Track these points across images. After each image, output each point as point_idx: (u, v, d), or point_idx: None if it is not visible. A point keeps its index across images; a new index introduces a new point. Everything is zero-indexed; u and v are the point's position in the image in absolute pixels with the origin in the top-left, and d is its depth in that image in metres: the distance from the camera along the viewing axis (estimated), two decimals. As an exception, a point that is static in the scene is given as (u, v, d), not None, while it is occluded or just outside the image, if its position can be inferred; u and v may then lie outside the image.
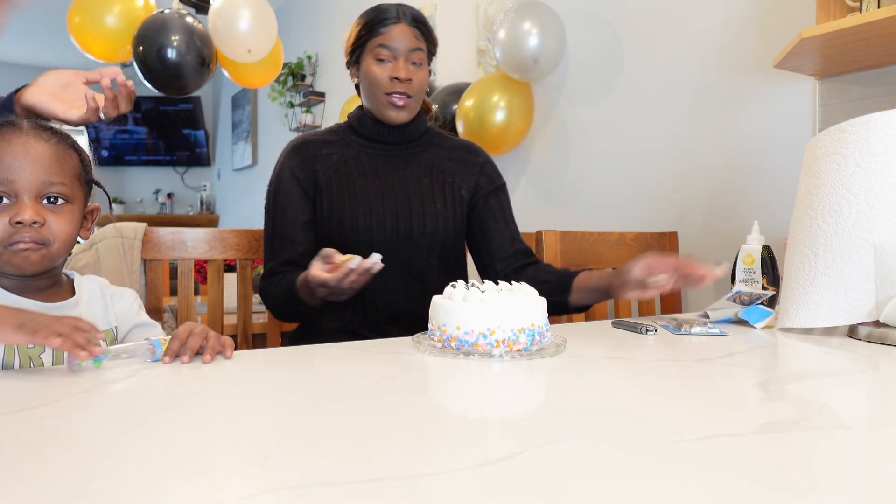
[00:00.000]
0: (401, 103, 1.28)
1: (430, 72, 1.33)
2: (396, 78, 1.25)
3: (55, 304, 0.84)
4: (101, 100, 0.99)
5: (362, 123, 1.34)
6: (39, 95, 0.97)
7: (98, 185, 0.92)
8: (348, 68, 1.35)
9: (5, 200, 0.79)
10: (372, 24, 1.27)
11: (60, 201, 0.82)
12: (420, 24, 1.28)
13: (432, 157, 1.37)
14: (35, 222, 0.79)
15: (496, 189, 1.40)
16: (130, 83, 1.01)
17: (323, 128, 1.49)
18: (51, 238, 0.81)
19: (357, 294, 1.26)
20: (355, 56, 1.31)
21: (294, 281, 1.17)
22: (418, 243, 1.27)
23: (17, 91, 0.99)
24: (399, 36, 1.25)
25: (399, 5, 1.28)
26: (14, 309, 0.71)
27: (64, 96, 0.99)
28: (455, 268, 1.37)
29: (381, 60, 1.26)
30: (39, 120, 0.85)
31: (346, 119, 1.41)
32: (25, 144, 0.80)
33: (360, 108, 1.37)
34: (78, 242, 0.88)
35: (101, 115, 1.00)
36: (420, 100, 1.33)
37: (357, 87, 1.36)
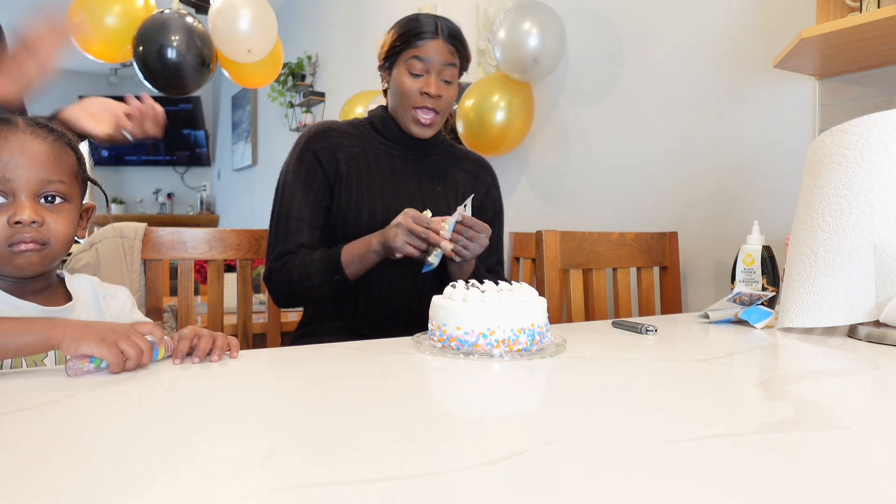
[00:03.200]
0: (427, 121, 1.29)
1: (458, 86, 1.33)
2: (426, 93, 1.26)
3: (55, 308, 0.84)
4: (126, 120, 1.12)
5: (385, 125, 1.35)
6: (77, 112, 1.09)
7: (95, 183, 0.92)
8: (380, 72, 1.35)
9: (2, 199, 0.78)
10: (409, 35, 1.26)
11: (58, 200, 0.82)
12: (456, 41, 1.29)
13: (447, 166, 1.39)
14: (34, 222, 0.78)
15: (495, 216, 1.44)
16: (160, 109, 1.14)
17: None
18: (50, 238, 0.80)
19: (358, 292, 1.27)
20: (388, 63, 1.31)
21: (337, 250, 1.21)
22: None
23: (60, 109, 1.11)
24: (434, 50, 1.25)
25: (438, 19, 1.28)
26: (93, 322, 0.75)
27: (99, 116, 1.11)
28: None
29: (413, 74, 1.26)
30: (36, 117, 0.85)
31: (365, 115, 1.41)
32: (23, 142, 0.79)
33: (384, 108, 1.37)
34: (77, 242, 0.88)
35: (128, 136, 1.11)
36: (445, 116, 1.34)
37: (385, 91, 1.36)
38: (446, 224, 1.11)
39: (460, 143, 2.47)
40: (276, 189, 1.32)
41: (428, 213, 1.15)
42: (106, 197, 0.96)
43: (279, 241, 1.27)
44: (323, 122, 1.35)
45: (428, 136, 1.32)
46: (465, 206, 1.15)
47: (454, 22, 1.32)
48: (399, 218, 1.13)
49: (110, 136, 1.10)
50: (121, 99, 1.15)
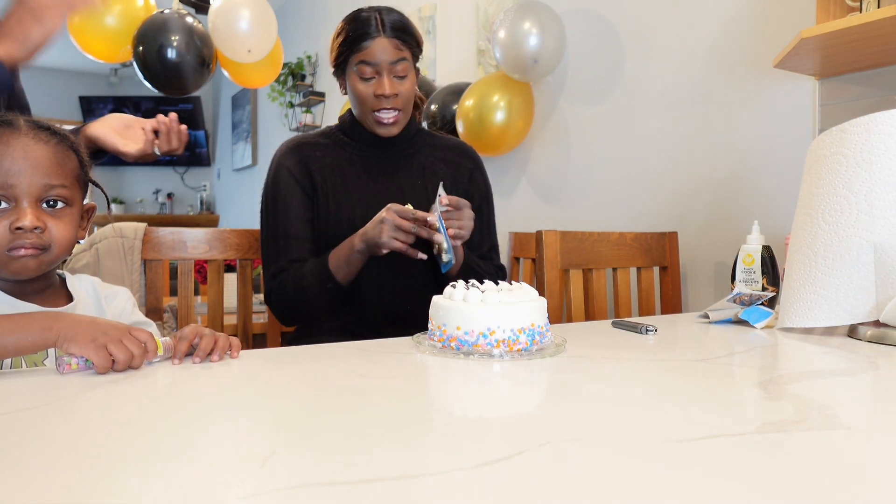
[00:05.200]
0: (389, 121, 1.28)
1: (417, 72, 1.31)
2: (382, 95, 1.24)
3: (55, 309, 0.84)
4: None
5: (354, 129, 1.34)
6: (102, 129, 1.13)
7: (97, 185, 0.91)
8: (335, 77, 1.34)
9: (4, 204, 0.78)
10: (351, 39, 1.25)
11: (60, 204, 0.81)
12: (400, 33, 1.25)
13: (424, 158, 1.37)
14: (36, 228, 0.78)
15: (482, 201, 1.42)
16: (184, 126, 1.19)
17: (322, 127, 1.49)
18: (51, 243, 0.80)
19: (356, 293, 1.27)
20: (339, 70, 1.31)
21: (324, 258, 1.21)
22: (415, 244, 1.28)
23: (83, 125, 1.15)
24: (379, 50, 1.23)
25: (379, 12, 1.25)
26: (89, 320, 0.74)
27: (125, 134, 1.15)
28: None
29: (364, 78, 1.25)
30: (37, 119, 0.85)
31: (337, 122, 1.40)
32: (25, 147, 0.79)
33: (351, 113, 1.36)
34: (78, 243, 0.88)
35: (157, 151, 1.16)
36: (409, 110, 1.32)
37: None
38: (433, 219, 1.12)
39: (453, 130, 2.46)
40: (261, 212, 1.32)
41: (409, 206, 1.15)
42: (107, 198, 0.96)
43: (271, 260, 1.28)
44: (292, 139, 1.36)
45: (395, 134, 1.31)
46: (438, 197, 1.15)
47: (396, 10, 1.28)
48: (382, 214, 1.13)
49: (141, 151, 1.15)
50: (123, 100, 1.17)
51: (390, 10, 1.27)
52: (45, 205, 0.80)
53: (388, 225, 1.11)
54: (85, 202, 0.89)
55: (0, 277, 0.81)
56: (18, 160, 0.78)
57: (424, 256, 1.15)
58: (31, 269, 0.80)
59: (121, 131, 1.14)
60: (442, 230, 1.12)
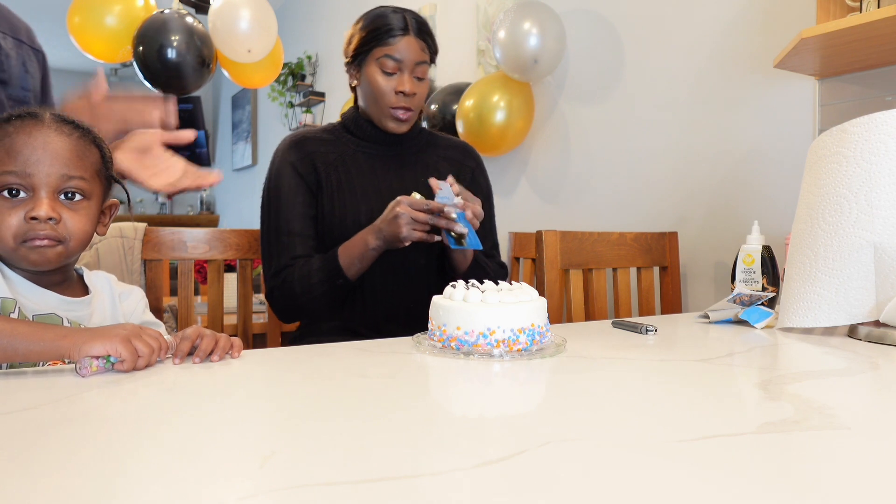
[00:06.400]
0: (404, 117, 1.28)
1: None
2: (402, 92, 1.25)
3: (74, 300, 0.84)
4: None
5: (358, 125, 1.34)
6: (127, 162, 1.01)
7: (118, 182, 0.91)
8: (347, 69, 1.34)
9: (22, 194, 0.78)
10: (379, 32, 1.25)
11: (78, 197, 0.81)
12: (426, 36, 1.27)
13: (428, 157, 1.38)
14: (50, 219, 0.77)
15: (484, 200, 1.40)
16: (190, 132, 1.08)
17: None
18: (66, 235, 0.80)
19: (356, 292, 1.27)
20: (357, 60, 1.30)
21: (332, 255, 1.20)
22: (419, 243, 1.27)
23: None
24: (406, 49, 1.24)
25: (405, 13, 1.27)
26: (104, 327, 0.76)
27: (146, 162, 1.04)
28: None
29: (386, 72, 1.25)
30: (62, 112, 0.84)
31: (339, 119, 1.40)
32: (45, 138, 0.79)
33: (356, 108, 1.36)
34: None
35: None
36: (419, 110, 1.33)
37: (353, 88, 1.35)
38: (452, 213, 1.12)
39: (453, 130, 2.46)
40: (262, 207, 1.31)
41: (416, 195, 1.15)
42: (128, 196, 0.96)
43: (273, 257, 1.26)
44: (296, 133, 1.35)
45: (404, 131, 1.32)
46: (450, 186, 1.14)
47: (419, 13, 1.30)
48: (396, 209, 1.13)
49: (171, 187, 1.08)
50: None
51: (415, 13, 1.29)
52: (62, 196, 0.80)
53: (405, 219, 1.12)
54: (108, 199, 0.89)
55: (20, 268, 0.81)
56: (38, 150, 0.78)
57: (440, 238, 1.16)
58: (51, 261, 0.80)
59: (141, 159, 1.05)
60: (461, 219, 1.13)
